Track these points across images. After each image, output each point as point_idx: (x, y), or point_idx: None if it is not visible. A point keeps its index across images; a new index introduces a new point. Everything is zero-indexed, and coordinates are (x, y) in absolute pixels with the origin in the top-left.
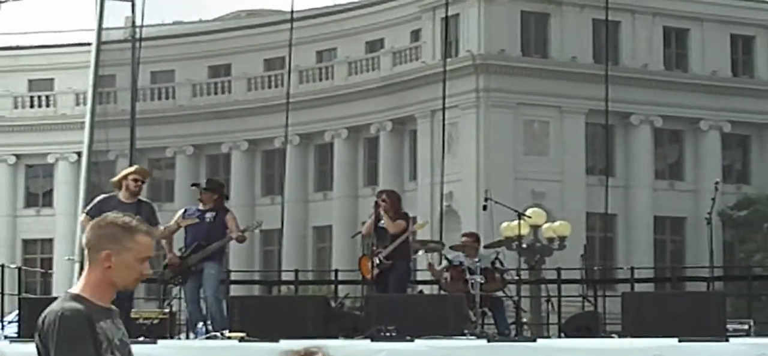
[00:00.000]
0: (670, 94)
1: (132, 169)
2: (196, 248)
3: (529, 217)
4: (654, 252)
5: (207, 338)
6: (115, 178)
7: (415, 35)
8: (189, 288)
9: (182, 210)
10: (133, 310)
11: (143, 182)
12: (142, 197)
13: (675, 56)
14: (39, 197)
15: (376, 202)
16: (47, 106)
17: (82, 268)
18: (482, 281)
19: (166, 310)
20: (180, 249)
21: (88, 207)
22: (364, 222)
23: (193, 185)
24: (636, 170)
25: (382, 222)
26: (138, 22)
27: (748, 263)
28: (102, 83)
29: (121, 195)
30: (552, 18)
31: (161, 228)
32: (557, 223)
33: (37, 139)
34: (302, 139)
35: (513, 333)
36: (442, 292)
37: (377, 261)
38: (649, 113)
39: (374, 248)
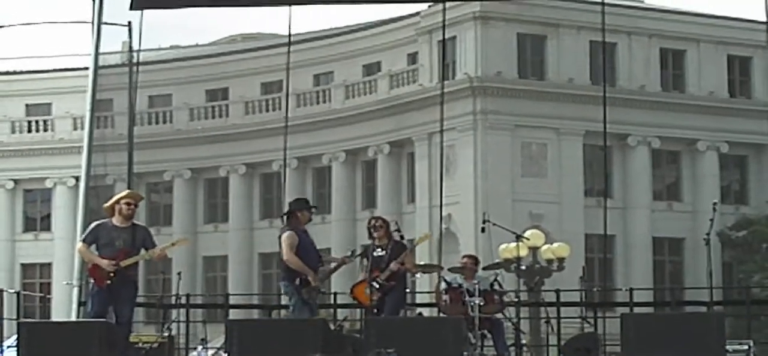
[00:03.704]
0: (667, 115)
1: (124, 193)
2: (315, 271)
3: (528, 239)
4: (653, 273)
5: None
6: (108, 204)
7: (412, 58)
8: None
9: (290, 233)
10: (132, 334)
11: (136, 206)
12: (137, 221)
13: (672, 77)
14: (37, 221)
15: (369, 228)
16: (45, 130)
17: (80, 293)
18: (481, 303)
19: (165, 334)
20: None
21: (84, 235)
22: (362, 245)
23: (287, 213)
24: (634, 191)
25: (377, 251)
26: (135, 47)
27: (747, 284)
28: (99, 107)
29: (115, 219)
30: (548, 40)
31: (158, 250)
32: (556, 245)
33: (35, 163)
34: (300, 162)
35: (512, 355)
36: (442, 314)
37: (376, 286)
38: (646, 134)
39: (372, 273)
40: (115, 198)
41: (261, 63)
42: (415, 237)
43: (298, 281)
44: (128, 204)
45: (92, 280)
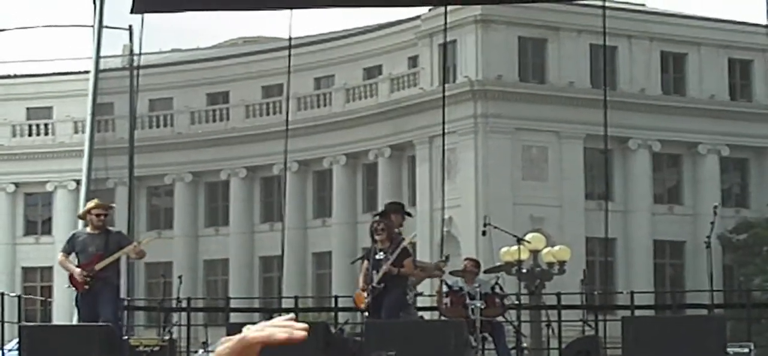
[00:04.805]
0: (668, 119)
1: (93, 203)
2: None
3: (529, 242)
4: (654, 277)
5: None
6: (81, 212)
7: (413, 61)
8: None
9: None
10: (133, 337)
11: (106, 215)
12: (110, 227)
13: (673, 81)
14: (38, 225)
15: (371, 231)
16: (46, 134)
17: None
18: (482, 306)
19: (166, 338)
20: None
21: (63, 246)
22: (363, 248)
23: (381, 213)
24: (635, 194)
25: (378, 254)
26: (136, 50)
27: (748, 287)
28: (100, 111)
29: (88, 228)
30: (549, 43)
31: (127, 248)
32: (557, 248)
33: (36, 167)
34: (301, 165)
35: None
36: (443, 318)
37: (371, 287)
38: (647, 137)
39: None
40: (86, 206)
41: (262, 66)
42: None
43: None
44: (98, 215)
45: (74, 288)
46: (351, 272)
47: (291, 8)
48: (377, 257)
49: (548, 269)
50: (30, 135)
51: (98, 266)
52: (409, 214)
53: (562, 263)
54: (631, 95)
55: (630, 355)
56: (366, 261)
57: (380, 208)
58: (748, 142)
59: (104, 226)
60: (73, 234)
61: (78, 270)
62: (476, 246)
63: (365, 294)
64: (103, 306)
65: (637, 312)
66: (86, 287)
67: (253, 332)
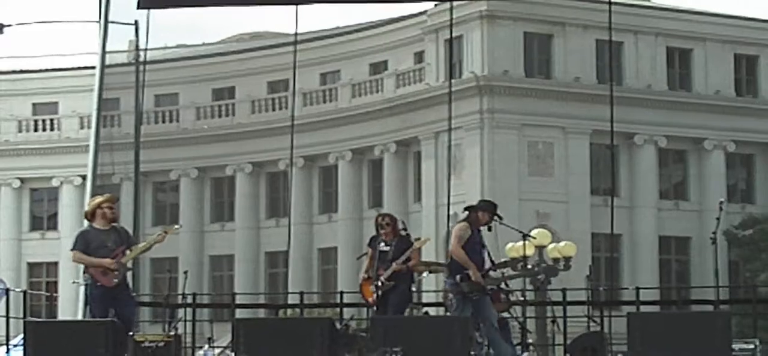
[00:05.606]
0: (674, 114)
1: (104, 197)
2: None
3: (534, 238)
4: (659, 272)
5: None
6: (88, 208)
7: (419, 57)
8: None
9: (462, 225)
10: (138, 333)
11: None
12: (116, 223)
13: (679, 76)
14: (43, 220)
15: (377, 224)
16: (51, 129)
17: (86, 292)
18: None
19: (172, 333)
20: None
21: (74, 243)
22: (371, 238)
23: (468, 208)
24: (640, 190)
25: (383, 246)
26: (142, 46)
27: (754, 282)
28: (106, 106)
29: (98, 223)
30: (555, 39)
31: (152, 240)
32: (562, 244)
33: (42, 162)
34: (306, 161)
35: (519, 354)
36: (448, 313)
37: (379, 283)
38: (653, 133)
39: (378, 271)
40: (96, 201)
41: (267, 62)
42: (421, 237)
43: (458, 277)
44: (110, 207)
45: (97, 283)
46: (357, 268)
47: (296, 3)
48: (381, 249)
49: (554, 265)
50: (36, 130)
51: (125, 259)
52: (499, 217)
53: (567, 259)
54: (637, 91)
55: (635, 351)
56: (371, 249)
57: (384, 205)
58: (754, 137)
59: (115, 219)
60: (85, 231)
61: (108, 260)
62: None
63: (372, 287)
64: (124, 305)
65: (643, 308)
66: (115, 281)
67: None
